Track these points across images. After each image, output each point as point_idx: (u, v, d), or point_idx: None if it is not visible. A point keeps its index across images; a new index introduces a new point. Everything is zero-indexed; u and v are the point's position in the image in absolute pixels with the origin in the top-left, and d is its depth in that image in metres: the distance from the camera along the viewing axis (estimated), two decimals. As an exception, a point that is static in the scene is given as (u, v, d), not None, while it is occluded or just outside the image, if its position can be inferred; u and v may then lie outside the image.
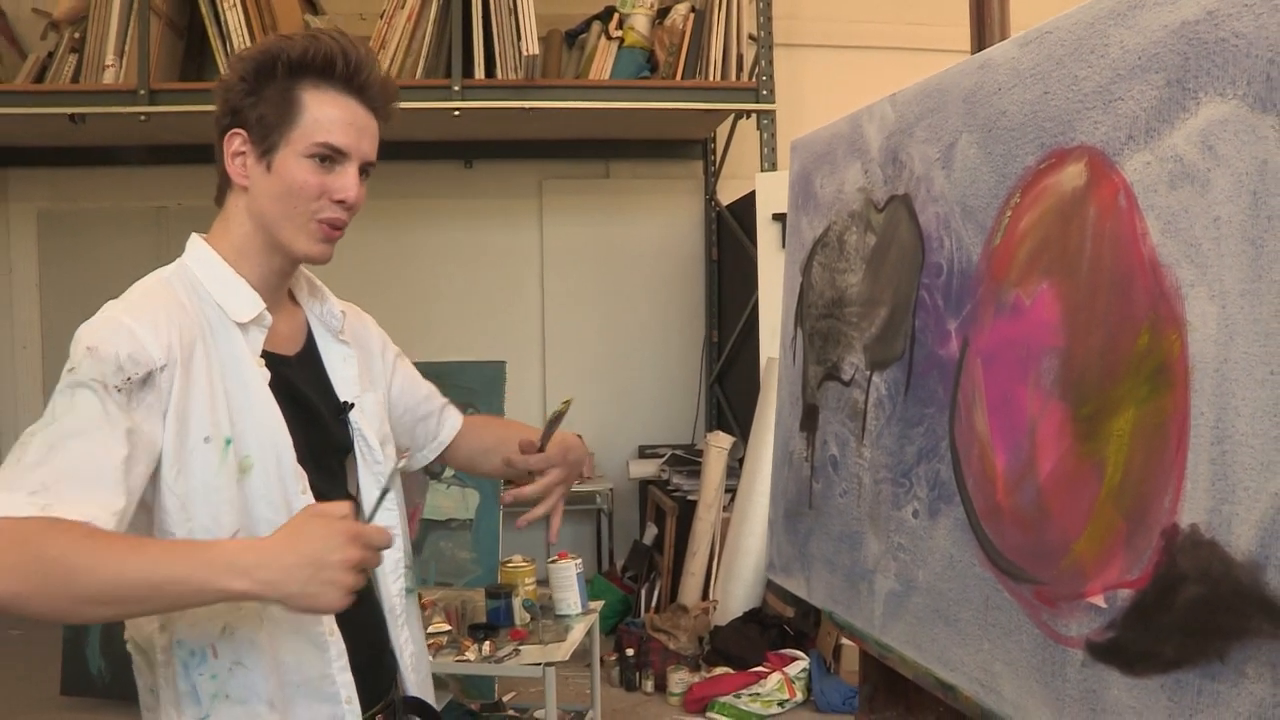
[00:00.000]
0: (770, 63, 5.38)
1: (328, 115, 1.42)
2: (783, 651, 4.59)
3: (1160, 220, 1.27)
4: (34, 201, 6.21)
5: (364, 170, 1.47)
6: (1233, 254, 1.17)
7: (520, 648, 2.97)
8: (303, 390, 1.51)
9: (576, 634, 3.10)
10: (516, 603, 3.15)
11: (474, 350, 5.90)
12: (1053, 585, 1.43)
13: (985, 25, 1.76)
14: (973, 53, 1.82)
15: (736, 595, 5.00)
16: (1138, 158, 1.31)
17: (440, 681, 3.73)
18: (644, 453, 6.41)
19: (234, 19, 4.98)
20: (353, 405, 1.58)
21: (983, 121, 1.64)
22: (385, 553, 1.55)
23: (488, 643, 2.97)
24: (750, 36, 5.54)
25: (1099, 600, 1.34)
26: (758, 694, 4.36)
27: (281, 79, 1.41)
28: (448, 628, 3.12)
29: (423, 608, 3.35)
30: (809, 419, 2.26)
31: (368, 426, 1.59)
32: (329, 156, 1.43)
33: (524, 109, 5.19)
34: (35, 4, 5.75)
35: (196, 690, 1.36)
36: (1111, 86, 1.36)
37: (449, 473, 4.39)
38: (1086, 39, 1.41)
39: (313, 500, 1.42)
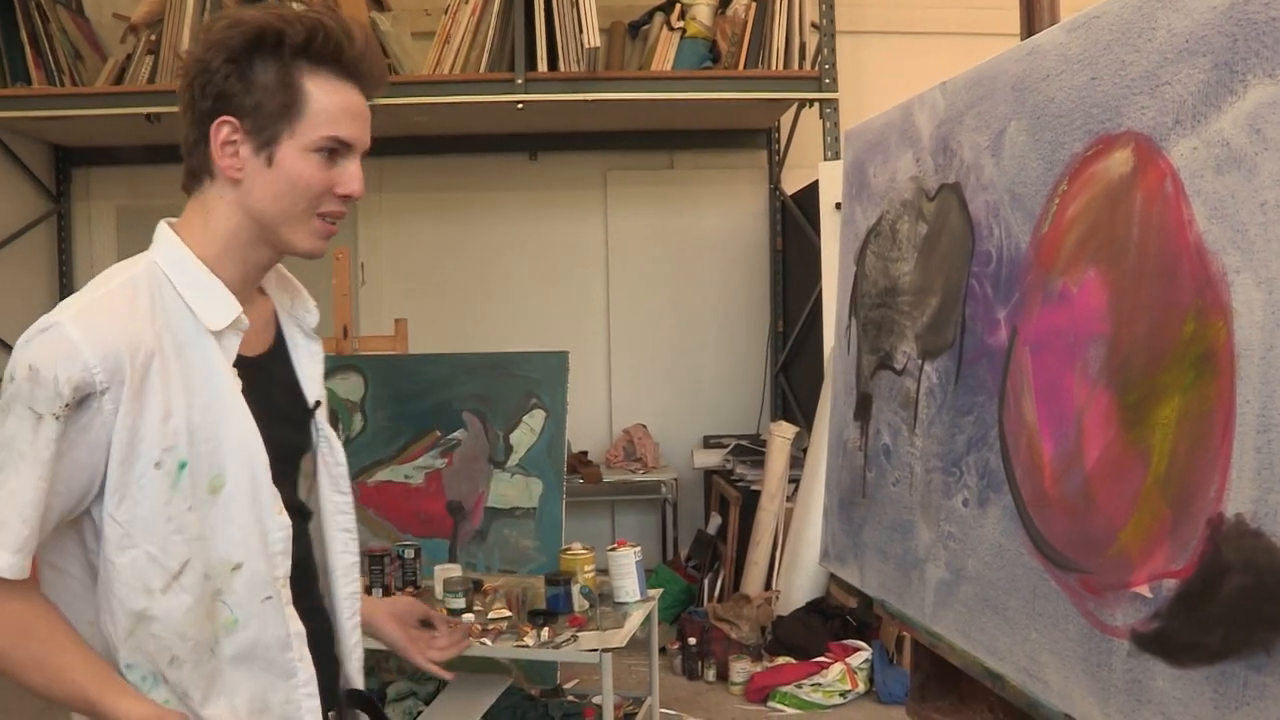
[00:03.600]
0: (833, 51, 5.34)
1: (335, 105, 1.32)
2: (845, 642, 4.58)
3: (1206, 206, 1.26)
4: (113, 199, 6.39)
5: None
6: (1279, 239, 1.15)
7: (578, 634, 3.01)
8: (271, 393, 1.41)
9: (634, 621, 3.12)
10: (575, 590, 3.19)
11: (539, 341, 5.94)
12: (1099, 574, 1.42)
13: (1035, 10, 1.74)
14: (1022, 39, 1.80)
15: (799, 585, 4.99)
16: (1184, 143, 1.30)
17: (501, 666, 3.79)
18: (709, 443, 6.41)
19: (302, 17, 5.07)
20: (320, 404, 1.51)
21: (1031, 108, 1.63)
22: (340, 555, 1.49)
23: (546, 629, 3.02)
24: (813, 24, 5.50)
25: (1144, 590, 1.33)
26: (819, 684, 4.36)
27: (277, 63, 1.30)
28: (508, 613, 3.17)
29: (484, 594, 3.41)
30: (863, 408, 2.26)
31: (328, 426, 1.52)
32: (334, 150, 1.34)
33: (586, 101, 5.22)
34: (116, 9, 5.91)
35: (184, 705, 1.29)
36: (1159, 71, 1.35)
37: (513, 462, 4.45)
38: (1134, 23, 1.40)
39: (286, 521, 1.35)
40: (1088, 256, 1.48)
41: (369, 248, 6.29)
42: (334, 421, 4.81)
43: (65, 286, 6.23)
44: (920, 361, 1.99)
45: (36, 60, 5.40)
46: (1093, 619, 1.43)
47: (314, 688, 1.38)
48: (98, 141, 6.14)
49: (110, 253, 6.27)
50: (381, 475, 4.42)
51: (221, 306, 1.33)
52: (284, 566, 1.35)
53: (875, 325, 2.21)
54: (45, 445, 1.19)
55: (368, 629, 1.62)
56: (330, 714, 1.45)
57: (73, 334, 1.21)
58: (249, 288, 1.41)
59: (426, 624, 1.72)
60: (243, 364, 1.36)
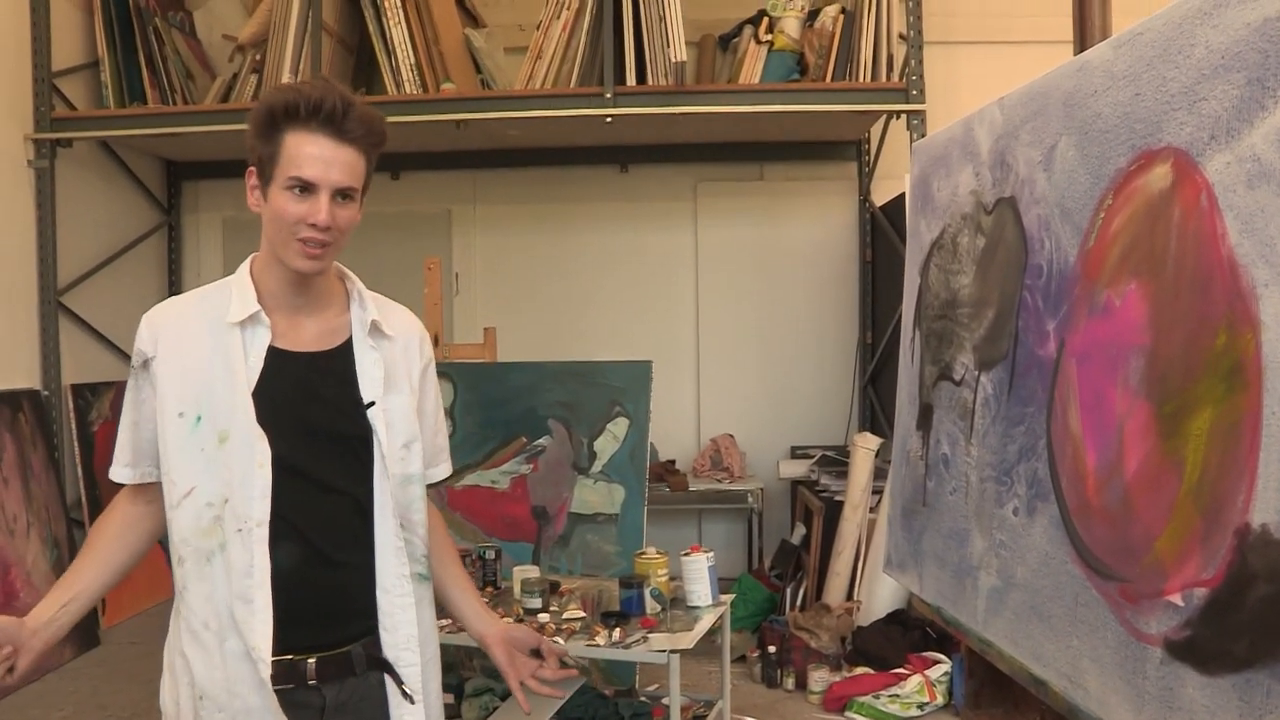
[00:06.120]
0: (920, 62, 5.31)
1: (301, 152, 1.62)
2: (925, 654, 4.55)
3: (1239, 220, 1.28)
4: (220, 211, 6.68)
5: (346, 195, 1.65)
6: (1303, 254, 1.17)
7: (648, 635, 3.07)
8: (317, 382, 1.72)
9: (704, 624, 3.17)
10: (648, 593, 3.25)
11: (629, 351, 6.02)
12: (1136, 583, 1.44)
13: (1086, 26, 1.76)
14: (1074, 54, 1.82)
15: (880, 596, 4.98)
16: (1219, 158, 1.32)
17: (580, 666, 3.87)
18: (796, 453, 6.41)
19: (399, 35, 5.25)
20: (373, 403, 1.73)
21: (1080, 124, 1.65)
22: (388, 535, 1.72)
23: (617, 629, 3.08)
24: (900, 36, 5.49)
25: (1177, 598, 1.35)
26: (897, 695, 4.34)
27: (270, 125, 1.64)
28: (582, 614, 3.25)
29: (560, 595, 3.50)
30: (924, 418, 2.29)
31: (384, 424, 1.73)
32: (303, 187, 1.62)
33: (673, 114, 5.29)
34: (225, 30, 6.19)
35: (182, 595, 1.69)
36: (1196, 87, 1.37)
37: (596, 468, 4.53)
38: (1175, 39, 1.42)
39: (268, 470, 1.64)
40: (1129, 270, 1.50)
41: (463, 258, 6.46)
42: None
43: (174, 293, 6.53)
44: (977, 373, 2.01)
45: (152, 80, 5.69)
46: (1129, 627, 1.45)
47: (268, 616, 1.62)
48: (206, 156, 6.43)
49: (216, 261, 6.56)
50: (469, 479, 4.54)
51: (243, 306, 1.69)
52: (260, 510, 1.63)
53: (937, 337, 2.23)
54: (134, 389, 1.73)
55: (478, 642, 1.89)
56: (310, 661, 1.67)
57: (144, 321, 1.72)
58: (289, 296, 1.72)
59: (536, 654, 1.87)
60: (285, 356, 1.69)
